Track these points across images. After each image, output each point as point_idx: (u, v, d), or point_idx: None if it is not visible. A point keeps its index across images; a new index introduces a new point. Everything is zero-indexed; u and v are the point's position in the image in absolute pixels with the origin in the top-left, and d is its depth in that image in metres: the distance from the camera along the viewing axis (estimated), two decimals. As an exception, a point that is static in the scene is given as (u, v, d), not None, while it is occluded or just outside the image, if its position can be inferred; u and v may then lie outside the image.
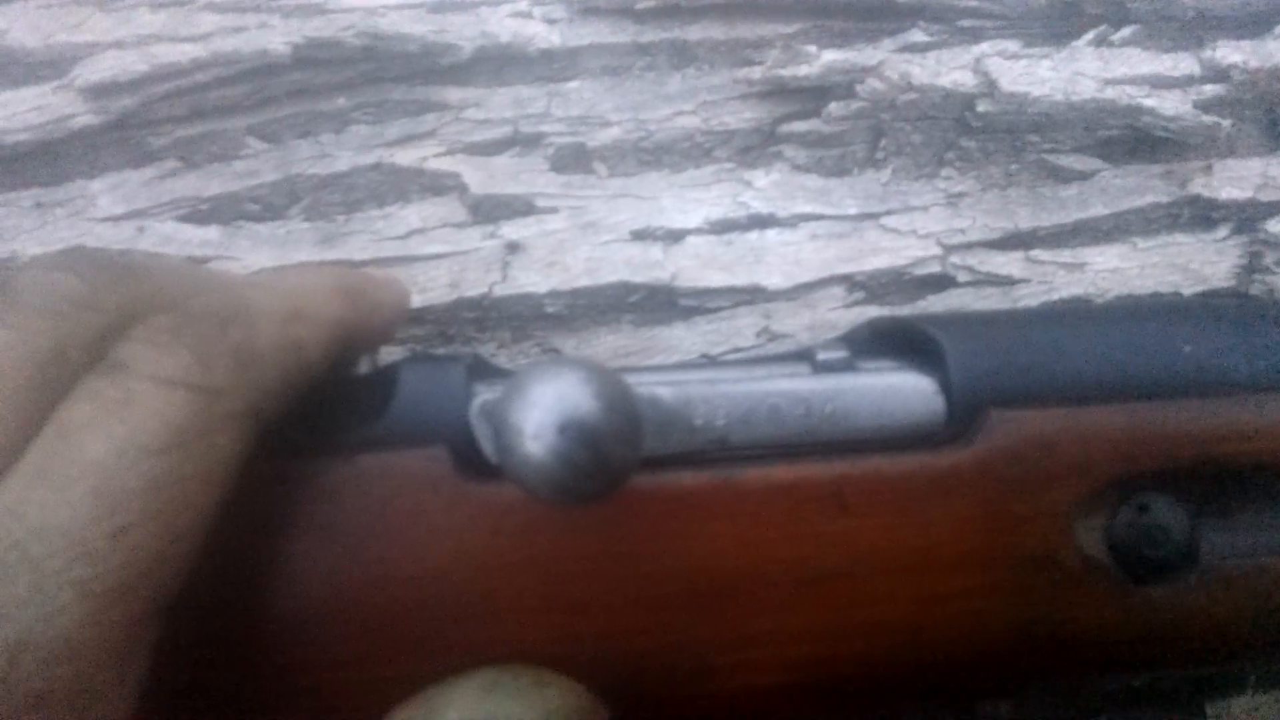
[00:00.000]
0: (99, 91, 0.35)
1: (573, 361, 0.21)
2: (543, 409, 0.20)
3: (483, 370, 0.27)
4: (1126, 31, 0.39)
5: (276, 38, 0.35)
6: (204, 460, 0.20)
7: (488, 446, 0.24)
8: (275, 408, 0.23)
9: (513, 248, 0.35)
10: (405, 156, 0.36)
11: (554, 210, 0.36)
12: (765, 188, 0.37)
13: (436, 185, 0.36)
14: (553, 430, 0.20)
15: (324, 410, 0.25)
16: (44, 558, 0.18)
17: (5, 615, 0.18)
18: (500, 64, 0.38)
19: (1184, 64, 0.38)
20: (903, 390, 0.26)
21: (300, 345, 0.24)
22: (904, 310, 0.36)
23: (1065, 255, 0.37)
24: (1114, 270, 0.37)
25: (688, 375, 0.26)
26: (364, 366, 0.28)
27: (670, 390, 0.25)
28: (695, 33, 0.38)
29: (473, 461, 0.24)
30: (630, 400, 0.21)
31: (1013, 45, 0.38)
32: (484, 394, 0.25)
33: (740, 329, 0.35)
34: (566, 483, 0.21)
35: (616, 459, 0.21)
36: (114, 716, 0.19)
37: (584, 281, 0.35)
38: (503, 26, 0.37)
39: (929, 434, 0.26)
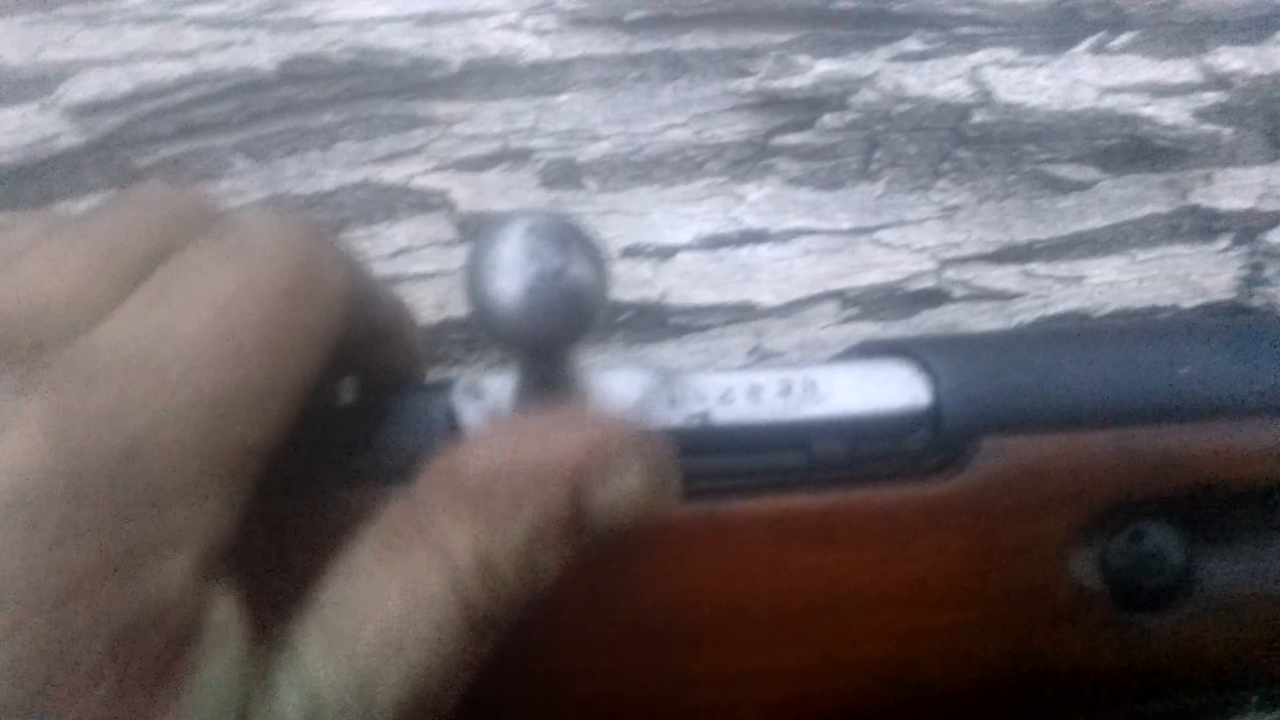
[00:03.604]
0: (83, 111, 0.35)
1: (537, 210, 0.21)
2: (511, 246, 0.20)
3: (471, 392, 0.27)
4: (1125, 38, 0.38)
5: (263, 54, 0.35)
6: (312, 316, 0.21)
7: None
8: (347, 333, 0.23)
9: (502, 265, 0.35)
10: (393, 174, 0.36)
11: (544, 226, 0.36)
12: (757, 202, 0.37)
13: (424, 203, 0.36)
14: (521, 267, 0.20)
15: (308, 444, 0.24)
16: (166, 364, 0.19)
17: (125, 413, 0.18)
18: (489, 77, 0.37)
19: (1184, 71, 0.38)
20: (883, 374, 0.26)
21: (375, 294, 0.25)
22: (897, 327, 0.36)
23: (1063, 268, 0.36)
24: (1112, 283, 0.36)
25: None
26: (347, 397, 0.28)
27: (653, 371, 0.26)
28: (687, 43, 0.38)
29: None
30: (595, 242, 0.21)
31: (1009, 53, 0.37)
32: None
33: (731, 348, 0.35)
34: (536, 317, 0.20)
35: (584, 294, 0.21)
36: (216, 537, 0.19)
37: (574, 299, 0.35)
38: (492, 39, 0.37)
39: (914, 432, 0.26)
